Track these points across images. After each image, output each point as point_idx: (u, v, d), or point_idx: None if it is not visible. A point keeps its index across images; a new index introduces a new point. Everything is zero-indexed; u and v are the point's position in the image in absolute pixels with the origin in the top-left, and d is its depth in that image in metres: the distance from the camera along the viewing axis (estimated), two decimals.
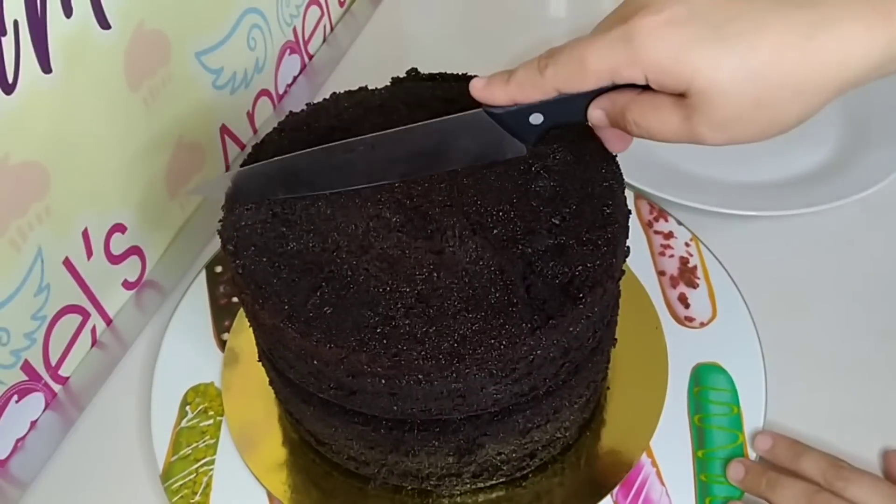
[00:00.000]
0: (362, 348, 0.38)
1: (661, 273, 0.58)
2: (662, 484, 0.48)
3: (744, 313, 0.55)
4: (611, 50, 0.36)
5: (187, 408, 0.52)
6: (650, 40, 0.35)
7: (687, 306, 0.56)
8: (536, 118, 0.40)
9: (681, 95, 0.35)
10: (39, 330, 0.52)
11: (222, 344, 0.55)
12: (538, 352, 0.39)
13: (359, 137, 0.43)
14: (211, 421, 0.52)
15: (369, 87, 0.51)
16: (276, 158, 0.44)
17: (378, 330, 0.38)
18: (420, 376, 0.38)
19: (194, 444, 0.51)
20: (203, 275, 0.59)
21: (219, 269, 0.59)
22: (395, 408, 0.41)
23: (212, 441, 0.51)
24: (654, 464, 0.48)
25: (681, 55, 0.34)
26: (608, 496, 0.47)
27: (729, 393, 0.51)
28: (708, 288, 0.56)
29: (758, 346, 0.53)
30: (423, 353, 0.38)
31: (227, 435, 0.51)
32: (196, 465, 0.50)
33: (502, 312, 0.38)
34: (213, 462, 0.50)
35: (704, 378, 0.52)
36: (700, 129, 0.36)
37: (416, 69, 0.51)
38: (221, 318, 0.57)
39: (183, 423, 0.52)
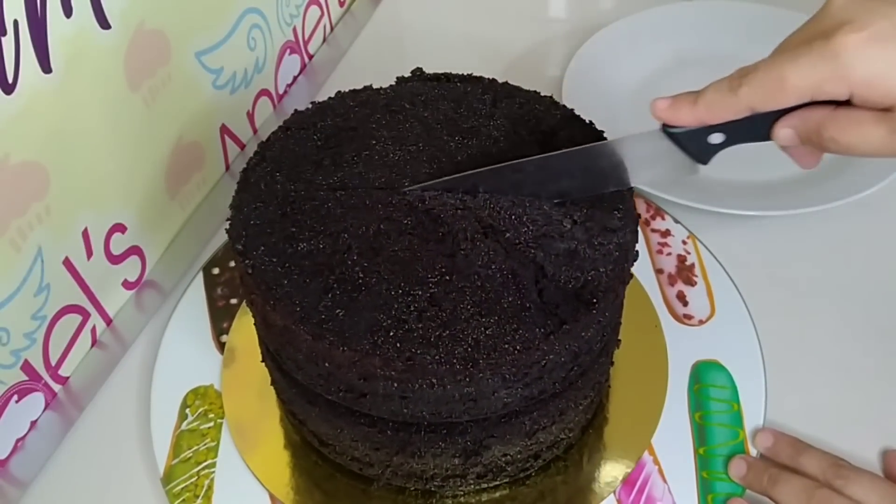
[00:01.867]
0: (376, 352, 0.38)
1: (658, 271, 0.58)
2: (664, 481, 0.48)
3: (742, 311, 0.55)
4: (813, 67, 0.36)
5: (187, 410, 0.52)
6: (857, 57, 0.35)
7: (685, 304, 0.56)
8: (717, 137, 0.40)
9: (885, 110, 0.35)
10: (39, 330, 0.52)
11: (221, 346, 0.55)
12: (550, 357, 0.39)
13: (529, 158, 0.43)
14: (211, 423, 0.52)
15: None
16: (456, 176, 0.43)
17: (391, 333, 0.38)
18: (433, 380, 0.38)
19: (195, 447, 0.50)
20: (200, 276, 0.59)
21: (216, 270, 0.59)
22: (405, 410, 0.41)
23: (213, 444, 0.51)
24: (655, 461, 0.49)
25: (890, 71, 0.34)
26: (611, 494, 0.47)
27: (729, 390, 0.51)
28: (706, 286, 0.56)
29: (756, 343, 0.53)
30: (437, 357, 0.37)
31: (228, 437, 0.51)
32: (197, 468, 0.49)
33: (515, 317, 0.38)
34: (214, 465, 0.50)
35: (704, 375, 0.52)
36: None
37: (420, 69, 0.52)
38: (220, 320, 0.57)
39: (183, 426, 0.51)
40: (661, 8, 0.75)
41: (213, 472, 0.49)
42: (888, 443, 0.49)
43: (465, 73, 0.51)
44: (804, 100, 0.37)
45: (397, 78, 0.51)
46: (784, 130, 0.39)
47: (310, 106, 0.49)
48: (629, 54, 0.72)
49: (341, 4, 0.82)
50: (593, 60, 0.71)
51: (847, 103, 0.37)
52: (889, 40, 0.34)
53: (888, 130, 0.36)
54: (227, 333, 0.56)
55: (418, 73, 0.51)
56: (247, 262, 0.41)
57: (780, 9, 0.74)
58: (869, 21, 0.35)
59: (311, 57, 0.78)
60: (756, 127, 0.39)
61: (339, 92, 0.50)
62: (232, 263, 0.59)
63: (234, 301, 0.57)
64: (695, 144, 0.41)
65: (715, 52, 0.73)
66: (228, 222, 0.43)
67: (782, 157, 0.65)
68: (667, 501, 0.47)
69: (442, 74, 0.51)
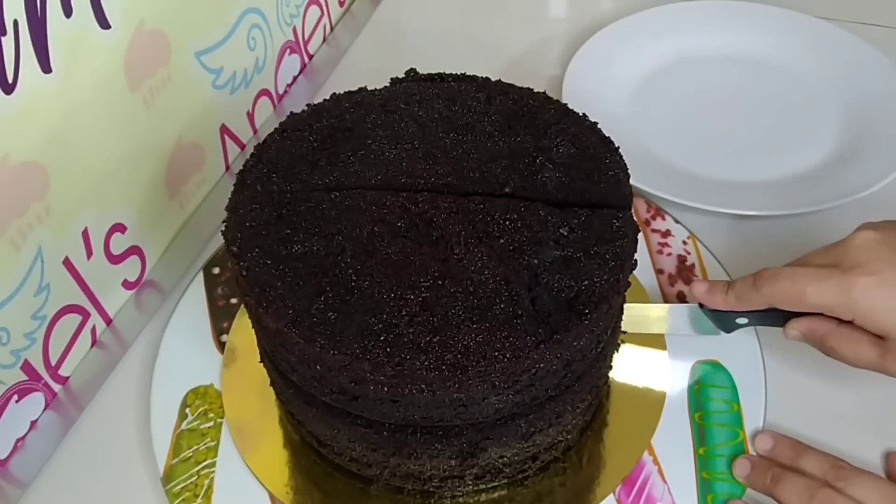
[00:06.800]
0: (365, 356, 0.38)
1: (659, 271, 0.58)
2: (664, 482, 0.48)
3: None
4: (830, 293, 0.44)
5: (187, 410, 0.52)
6: (865, 297, 0.44)
7: None
8: (742, 320, 0.50)
9: (880, 337, 0.44)
10: (39, 330, 0.52)
11: (221, 345, 0.55)
12: (541, 365, 0.39)
13: None
14: (211, 423, 0.52)
15: (369, 88, 0.51)
16: None
17: (382, 338, 0.38)
18: (423, 386, 0.38)
19: (195, 447, 0.50)
20: (201, 276, 0.59)
21: (216, 270, 0.59)
22: (396, 413, 0.41)
23: (212, 443, 0.51)
24: (655, 462, 0.49)
25: (888, 310, 0.43)
26: (610, 495, 0.47)
27: (729, 390, 0.51)
28: None
29: (756, 343, 0.53)
30: (426, 363, 0.37)
31: (228, 437, 0.51)
32: (197, 468, 0.50)
33: (507, 324, 0.38)
34: (214, 464, 0.50)
35: (704, 376, 0.52)
36: (892, 366, 0.44)
37: (414, 69, 0.52)
38: (220, 320, 0.57)
39: (183, 426, 0.51)
40: (661, 8, 0.75)
41: (213, 471, 0.49)
42: (888, 443, 0.49)
43: (459, 73, 0.51)
44: (816, 311, 0.46)
45: (391, 79, 0.51)
46: (793, 332, 0.47)
47: (305, 108, 0.49)
48: (629, 54, 0.72)
49: (341, 4, 0.82)
50: (593, 60, 0.71)
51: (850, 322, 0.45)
52: (891, 286, 0.43)
53: (879, 354, 0.44)
54: (227, 333, 0.56)
55: (412, 74, 0.51)
56: (241, 264, 0.41)
57: (779, 9, 0.74)
58: (878, 268, 0.43)
59: (311, 57, 0.78)
60: (774, 317, 0.48)
61: (335, 94, 0.50)
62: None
63: (234, 301, 0.57)
64: (724, 321, 0.50)
65: (715, 52, 0.73)
66: (224, 224, 0.43)
67: (782, 158, 0.65)
68: (666, 502, 0.47)
69: (436, 74, 0.51)
